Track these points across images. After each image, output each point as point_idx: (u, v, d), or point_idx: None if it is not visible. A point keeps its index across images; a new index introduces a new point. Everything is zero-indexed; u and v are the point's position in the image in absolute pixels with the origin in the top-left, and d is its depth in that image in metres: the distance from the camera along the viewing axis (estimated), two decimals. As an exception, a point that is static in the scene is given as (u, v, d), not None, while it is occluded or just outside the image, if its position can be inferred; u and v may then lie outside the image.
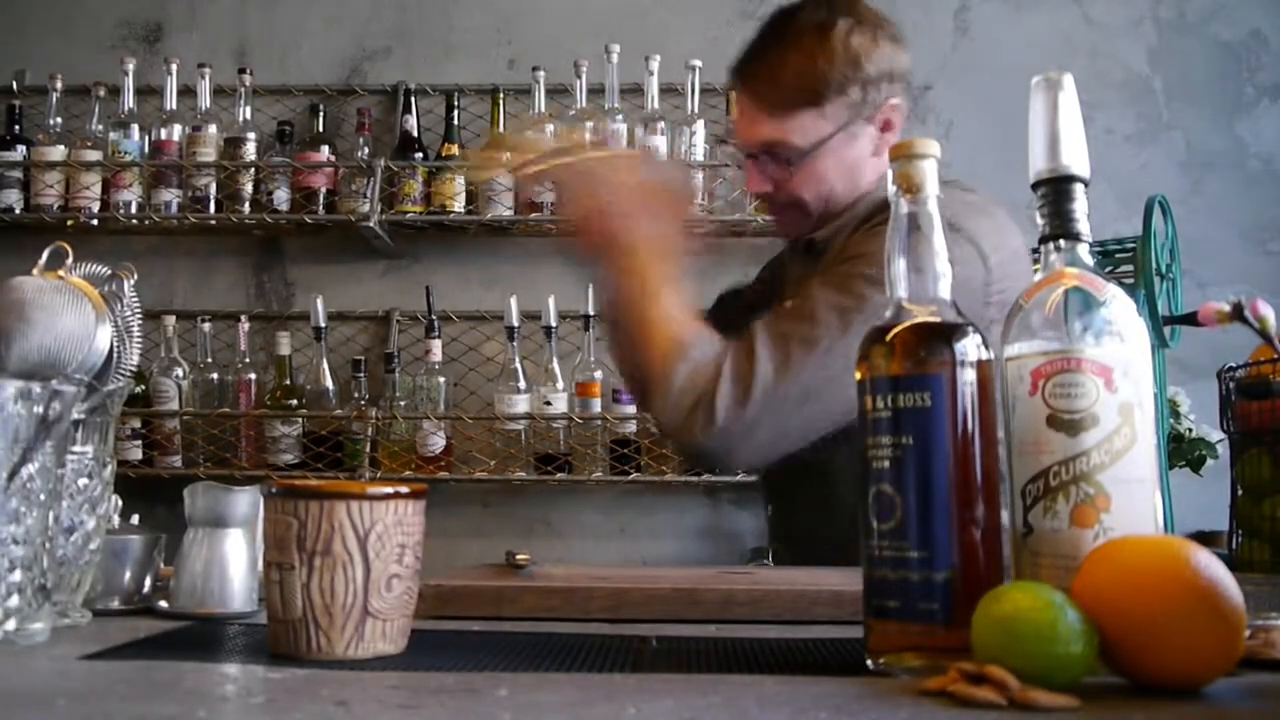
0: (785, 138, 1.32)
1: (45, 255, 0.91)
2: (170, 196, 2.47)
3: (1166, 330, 1.87)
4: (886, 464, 0.69)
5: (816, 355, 1.16)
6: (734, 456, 1.22)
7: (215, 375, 2.49)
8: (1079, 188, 0.72)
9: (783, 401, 1.16)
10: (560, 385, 2.37)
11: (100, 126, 2.50)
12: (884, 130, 1.35)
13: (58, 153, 2.49)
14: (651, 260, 1.19)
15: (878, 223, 1.24)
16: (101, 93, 2.51)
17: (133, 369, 0.93)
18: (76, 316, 0.86)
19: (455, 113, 2.53)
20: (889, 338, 0.70)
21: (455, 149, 2.51)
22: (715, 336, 1.20)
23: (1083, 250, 0.72)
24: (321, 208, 2.46)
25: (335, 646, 0.71)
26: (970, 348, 0.69)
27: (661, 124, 2.38)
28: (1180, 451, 2.12)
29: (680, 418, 1.17)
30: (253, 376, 2.48)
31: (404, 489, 0.74)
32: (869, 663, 0.69)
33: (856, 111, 1.32)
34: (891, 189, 0.73)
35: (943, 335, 0.70)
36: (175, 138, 2.49)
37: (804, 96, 1.30)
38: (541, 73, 2.45)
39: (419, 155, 2.49)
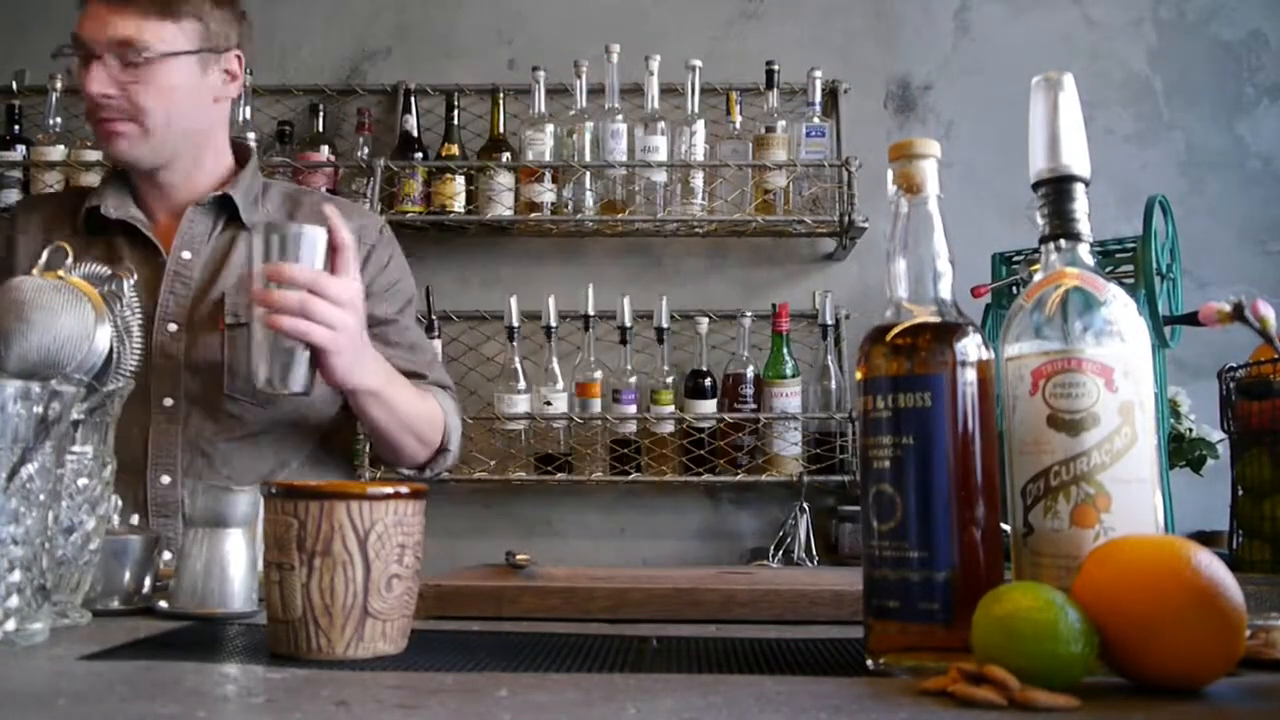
0: (140, 36, 1.36)
1: (45, 255, 0.91)
2: (170, 196, 2.46)
3: (1166, 330, 1.86)
4: (886, 464, 0.69)
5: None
6: None
7: (215, 375, 2.48)
8: (1079, 188, 0.72)
9: None
10: (560, 385, 2.37)
11: (100, 126, 2.50)
12: (230, 80, 1.46)
13: (57, 152, 2.49)
14: (381, 367, 1.35)
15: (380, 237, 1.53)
16: (101, 93, 2.51)
17: (132, 369, 0.93)
18: (76, 316, 0.86)
19: (455, 113, 2.53)
20: (889, 338, 0.70)
21: (455, 149, 2.51)
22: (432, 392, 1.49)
23: (1083, 250, 0.72)
24: (321, 208, 2.46)
25: (335, 646, 0.71)
26: (970, 348, 0.69)
27: (661, 124, 2.38)
28: (1180, 451, 2.12)
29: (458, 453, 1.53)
30: (253, 376, 2.48)
31: (404, 489, 0.74)
32: (869, 663, 0.69)
33: (210, 42, 1.41)
34: (892, 189, 0.73)
35: (943, 335, 0.70)
36: (175, 138, 2.49)
37: (164, 6, 1.38)
38: (541, 73, 2.45)
39: (419, 155, 2.49)
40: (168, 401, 1.40)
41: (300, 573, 0.71)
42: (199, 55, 1.40)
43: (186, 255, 1.45)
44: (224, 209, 1.47)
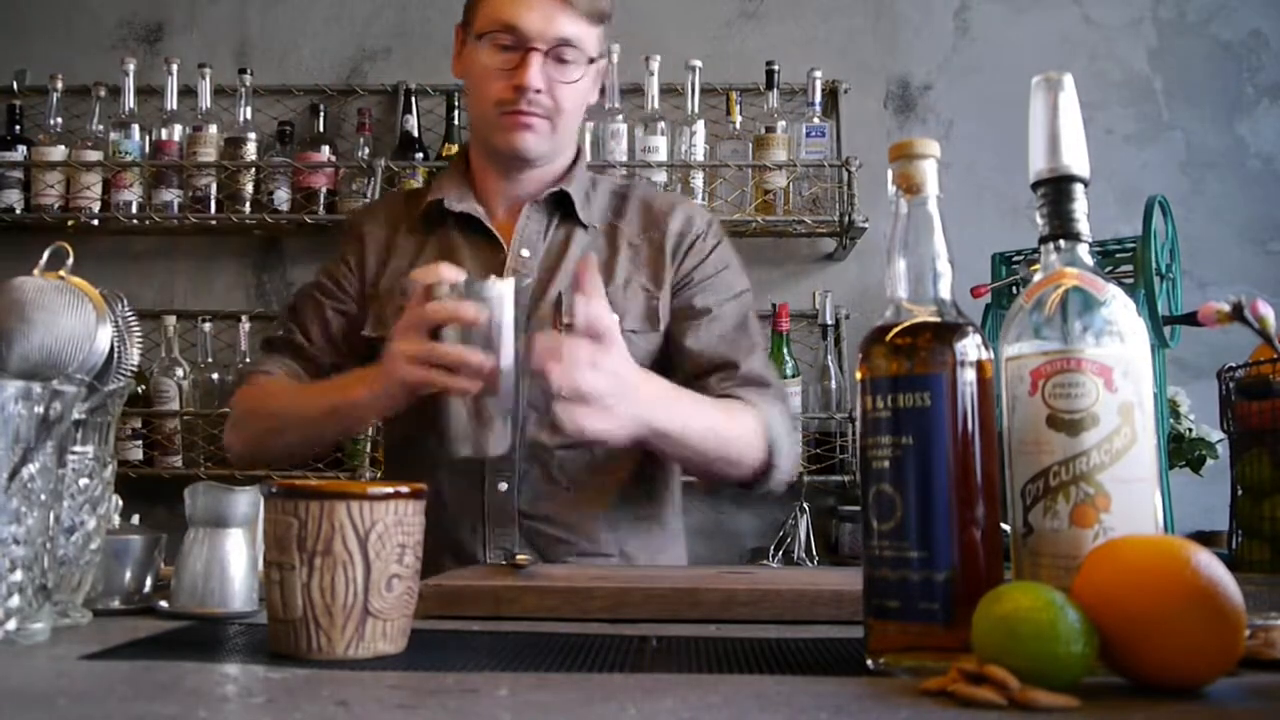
0: (579, 37, 1.36)
1: (46, 256, 0.91)
2: (171, 197, 2.47)
3: (1166, 330, 1.87)
4: (886, 464, 0.69)
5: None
6: None
7: (216, 375, 2.49)
8: (1079, 188, 0.72)
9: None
10: (560, 385, 2.36)
11: (101, 127, 2.50)
12: (596, 90, 1.46)
13: (58, 153, 2.49)
14: (669, 401, 1.23)
15: (703, 231, 1.48)
16: (102, 93, 2.51)
17: (133, 369, 0.93)
18: (77, 316, 0.86)
19: (456, 113, 2.53)
20: (889, 338, 0.70)
21: (456, 149, 2.51)
22: (747, 403, 1.34)
23: (1083, 250, 0.72)
24: (322, 208, 2.45)
25: (335, 646, 0.71)
26: (970, 348, 0.69)
27: (661, 124, 2.38)
28: (1180, 451, 2.12)
29: (791, 468, 1.41)
30: (253, 376, 2.48)
31: (404, 489, 0.74)
32: (869, 663, 0.70)
33: (602, 50, 1.42)
34: (891, 189, 0.73)
35: (943, 335, 0.70)
36: (176, 138, 2.49)
37: (601, 11, 1.39)
38: (542, 73, 2.45)
39: (419, 155, 2.49)
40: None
41: (301, 572, 0.71)
42: (598, 62, 1.42)
43: (525, 253, 1.42)
44: (558, 205, 1.45)
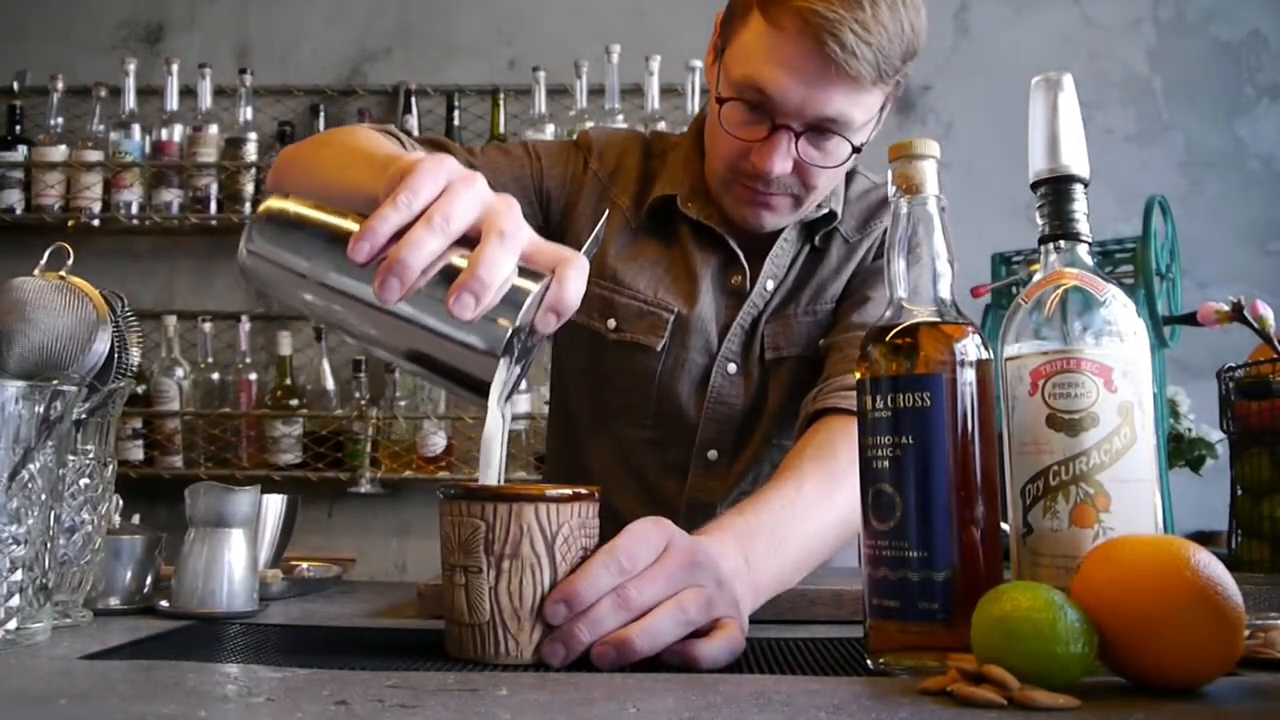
0: (848, 112, 1.06)
1: (46, 256, 0.91)
2: (171, 197, 2.47)
3: (1166, 330, 1.87)
4: (886, 464, 0.69)
5: None
6: None
7: (216, 375, 2.49)
8: (1079, 188, 0.72)
9: None
10: (560, 385, 2.36)
11: (101, 127, 2.51)
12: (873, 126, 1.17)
13: (59, 153, 2.49)
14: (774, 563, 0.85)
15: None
16: (102, 93, 2.51)
17: (133, 369, 0.93)
18: (77, 316, 0.86)
19: (455, 113, 2.54)
20: (889, 337, 0.70)
21: (455, 149, 2.51)
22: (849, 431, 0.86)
23: (1083, 250, 0.73)
24: (322, 208, 2.46)
25: (525, 650, 0.70)
26: (970, 348, 0.69)
27: (662, 124, 2.38)
28: (1180, 451, 2.12)
29: None
30: (253, 376, 2.48)
31: (582, 490, 0.73)
32: (869, 663, 0.70)
33: (889, 97, 1.13)
34: (891, 189, 0.73)
35: (942, 335, 0.70)
36: (176, 138, 2.49)
37: (883, 68, 1.06)
38: (542, 73, 2.45)
39: (419, 155, 2.49)
40: (713, 454, 1.19)
41: (488, 575, 0.69)
42: (879, 116, 1.13)
43: (770, 285, 1.20)
44: (823, 222, 1.21)
